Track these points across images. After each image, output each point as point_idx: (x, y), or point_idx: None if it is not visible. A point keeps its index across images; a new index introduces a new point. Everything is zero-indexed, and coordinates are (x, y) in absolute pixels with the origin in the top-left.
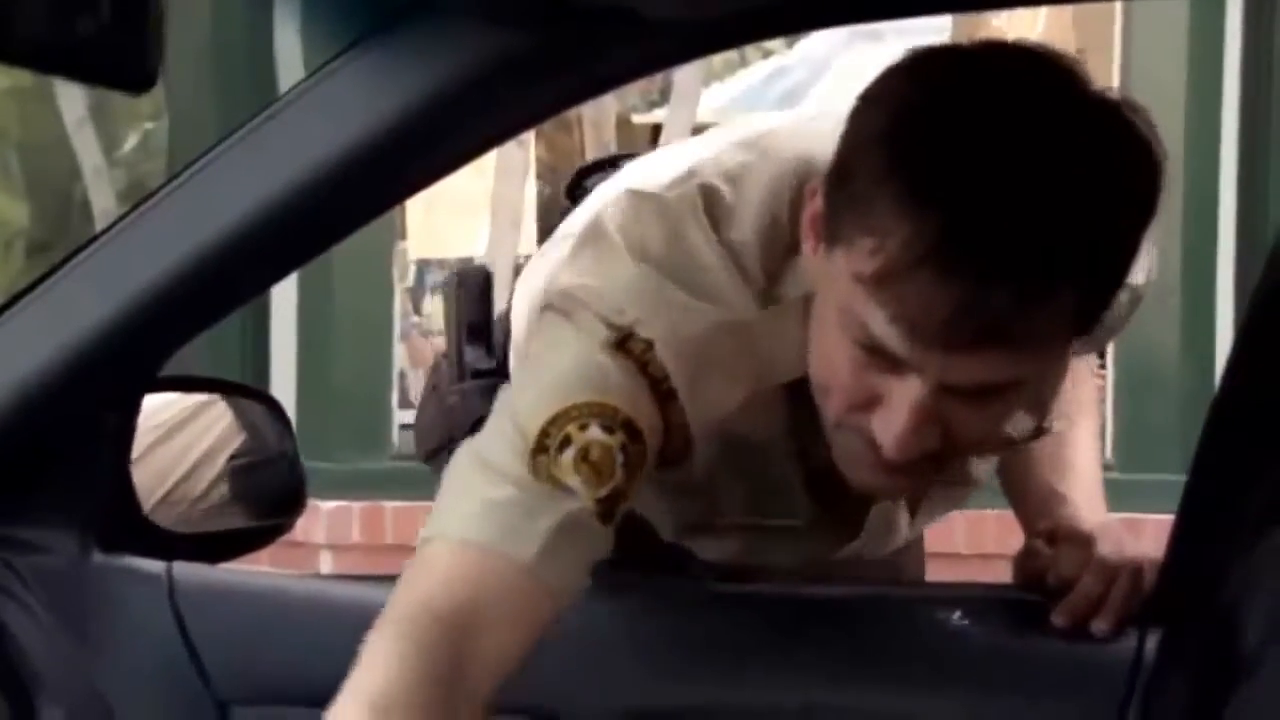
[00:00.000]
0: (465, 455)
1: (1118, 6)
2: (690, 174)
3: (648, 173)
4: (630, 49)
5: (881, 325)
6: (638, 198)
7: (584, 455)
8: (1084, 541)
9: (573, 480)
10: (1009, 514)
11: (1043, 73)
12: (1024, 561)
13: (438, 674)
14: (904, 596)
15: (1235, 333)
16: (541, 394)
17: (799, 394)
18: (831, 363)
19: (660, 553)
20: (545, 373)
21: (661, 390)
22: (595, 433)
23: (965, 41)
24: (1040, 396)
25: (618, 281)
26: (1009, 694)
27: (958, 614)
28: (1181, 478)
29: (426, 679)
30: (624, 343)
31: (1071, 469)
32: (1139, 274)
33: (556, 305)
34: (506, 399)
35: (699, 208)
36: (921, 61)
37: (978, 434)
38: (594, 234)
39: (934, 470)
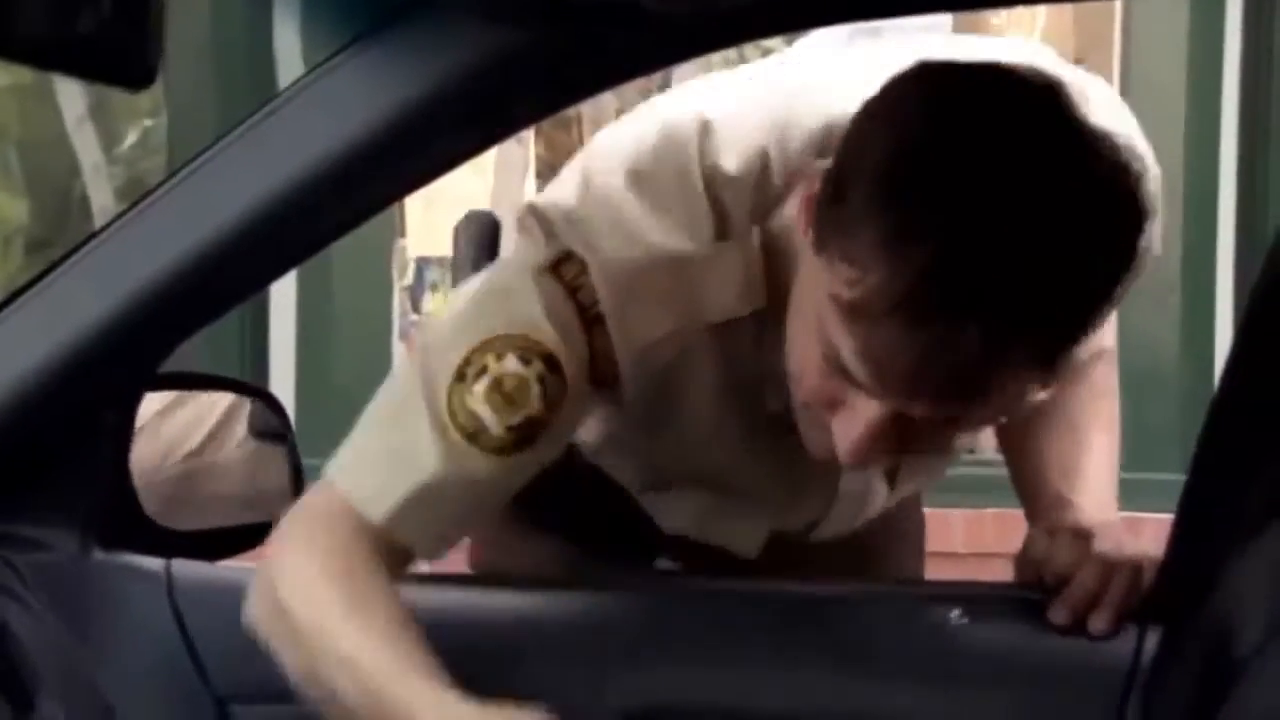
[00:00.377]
0: (385, 388)
1: (1117, 5)
2: (700, 110)
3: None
4: (630, 46)
5: (849, 355)
6: (642, 115)
7: (497, 386)
8: (1082, 537)
9: (483, 410)
10: (1008, 513)
11: (1043, 119)
12: (1023, 557)
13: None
14: (902, 594)
15: (1235, 332)
16: (468, 323)
17: (730, 338)
18: (802, 356)
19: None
20: (475, 299)
21: (589, 316)
22: (511, 364)
23: (972, 60)
24: (992, 418)
25: (587, 193)
26: (1007, 693)
27: (956, 612)
28: (1181, 477)
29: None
30: (557, 266)
31: (1082, 476)
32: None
33: (519, 221)
34: (436, 325)
35: (697, 134)
36: (927, 85)
37: (935, 447)
38: (588, 150)
39: (894, 459)
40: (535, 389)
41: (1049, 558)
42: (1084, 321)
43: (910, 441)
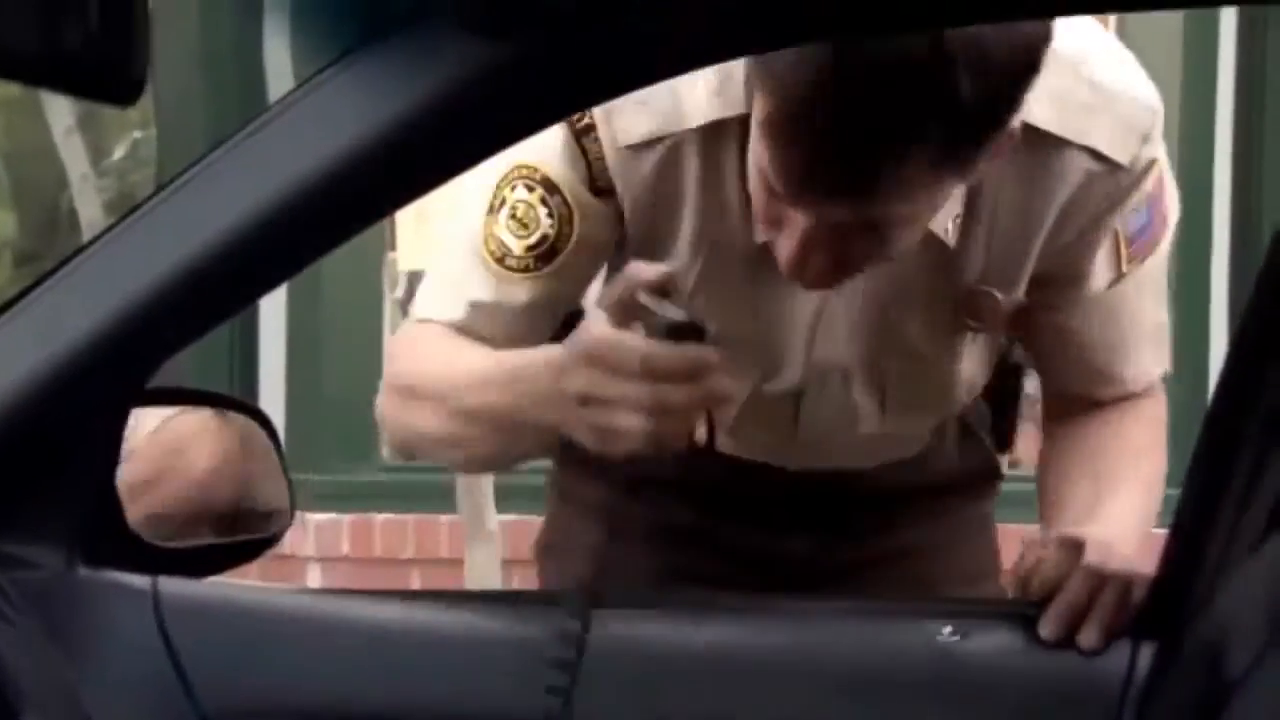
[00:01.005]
0: (449, 224)
1: (1111, 21)
2: None
3: None
4: (622, 61)
5: (769, 167)
6: None
7: (513, 213)
8: (1071, 548)
9: (505, 236)
10: (1007, 527)
11: None
12: (1015, 571)
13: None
14: (892, 611)
15: (1229, 345)
16: (497, 160)
17: (717, 150)
18: (752, 181)
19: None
20: None
21: (578, 127)
22: (520, 192)
23: None
24: (918, 228)
25: None
26: (999, 709)
27: (948, 629)
28: (1175, 490)
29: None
30: None
31: (1105, 519)
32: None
33: None
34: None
35: None
36: None
37: (864, 257)
38: None
39: (843, 275)
40: (541, 210)
41: (1037, 570)
42: (972, 113)
43: (843, 256)
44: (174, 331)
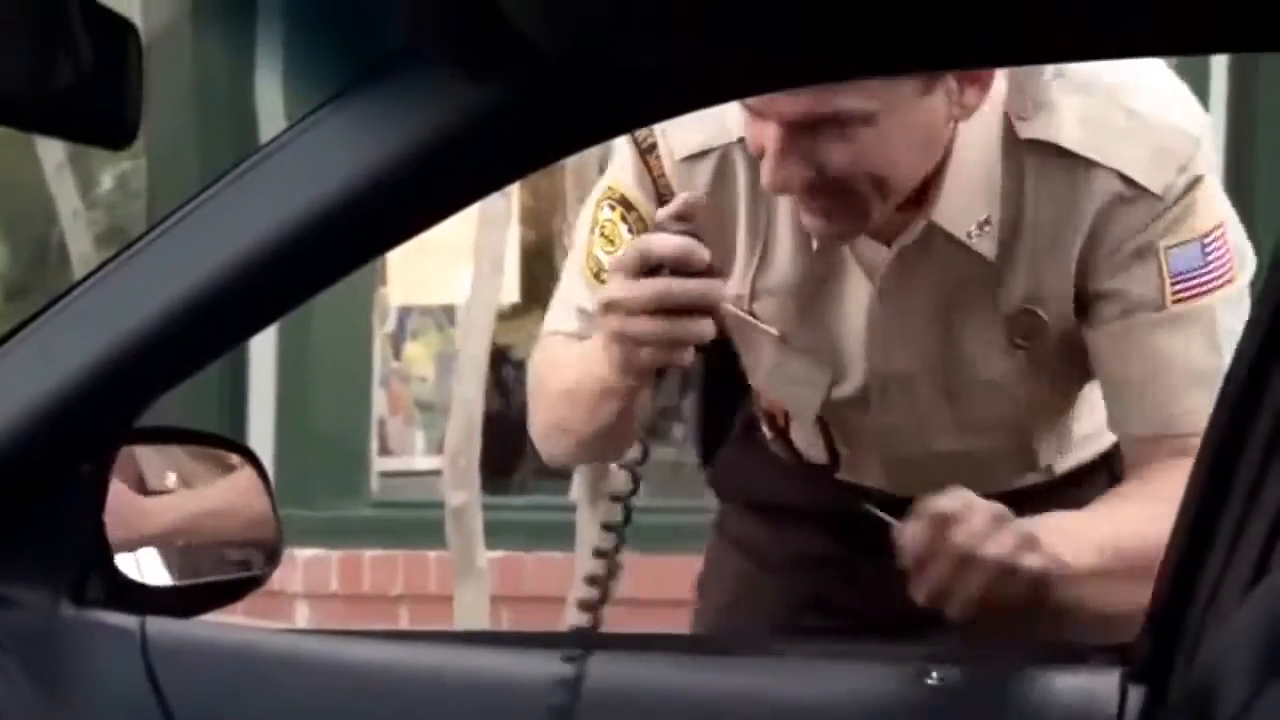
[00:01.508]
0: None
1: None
2: None
3: None
4: (614, 103)
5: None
6: None
7: (603, 232)
8: (939, 525)
9: (600, 253)
10: None
11: None
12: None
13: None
14: (880, 654)
15: (1221, 385)
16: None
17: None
18: (746, 126)
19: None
20: None
21: (644, 146)
22: (606, 212)
23: None
24: (893, 142)
25: None
26: None
27: (934, 673)
28: None
29: None
30: None
31: (1061, 518)
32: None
33: None
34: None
35: None
36: None
37: (842, 169)
38: None
39: (846, 210)
40: (622, 228)
41: (908, 545)
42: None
43: (819, 165)
44: (165, 370)
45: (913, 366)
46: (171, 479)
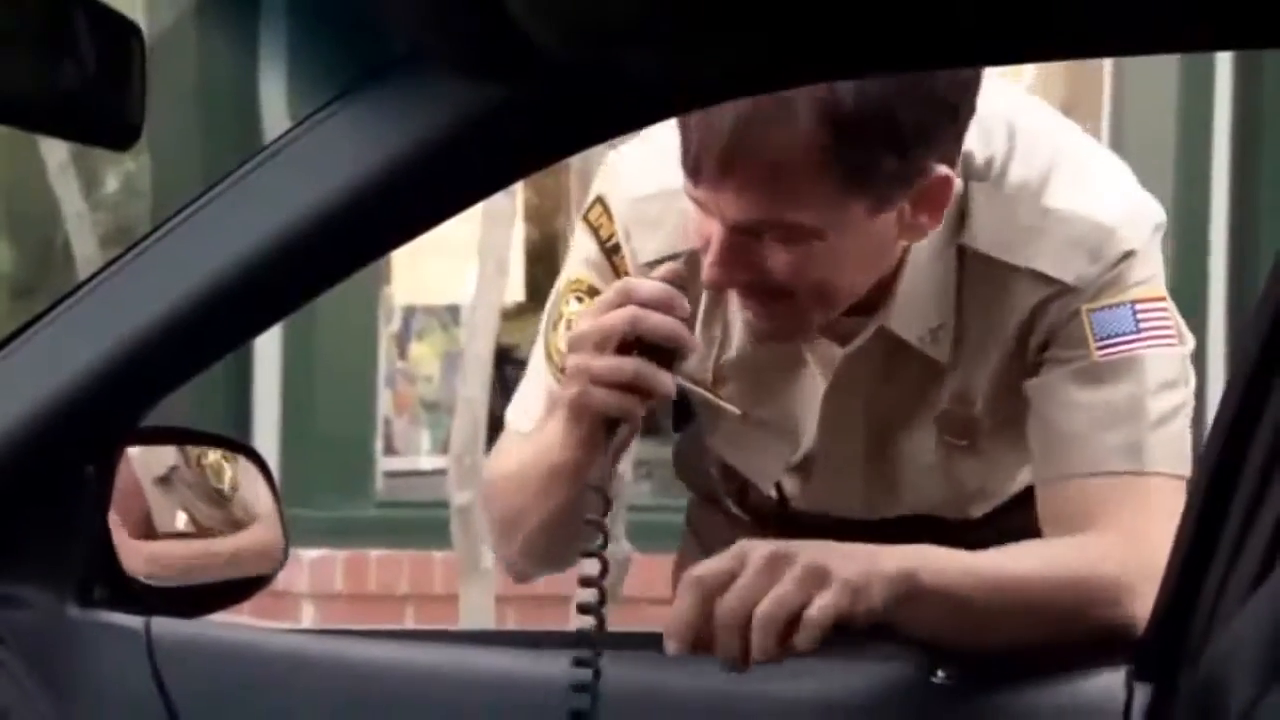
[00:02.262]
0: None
1: (1107, 65)
2: None
3: None
4: (615, 104)
5: (682, 165)
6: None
7: (569, 325)
8: (703, 590)
9: (564, 345)
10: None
11: None
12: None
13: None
14: (887, 653)
15: (1223, 391)
16: (559, 281)
17: None
18: (693, 216)
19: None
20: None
21: (608, 246)
22: (574, 305)
23: None
24: (839, 257)
25: (618, 155)
26: None
27: (941, 672)
28: None
29: None
30: (589, 211)
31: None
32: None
33: None
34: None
35: None
36: None
37: (784, 276)
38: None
39: (785, 314)
40: None
41: (673, 628)
42: (856, 131)
43: (758, 266)
44: (169, 371)
45: (855, 449)
46: (181, 520)
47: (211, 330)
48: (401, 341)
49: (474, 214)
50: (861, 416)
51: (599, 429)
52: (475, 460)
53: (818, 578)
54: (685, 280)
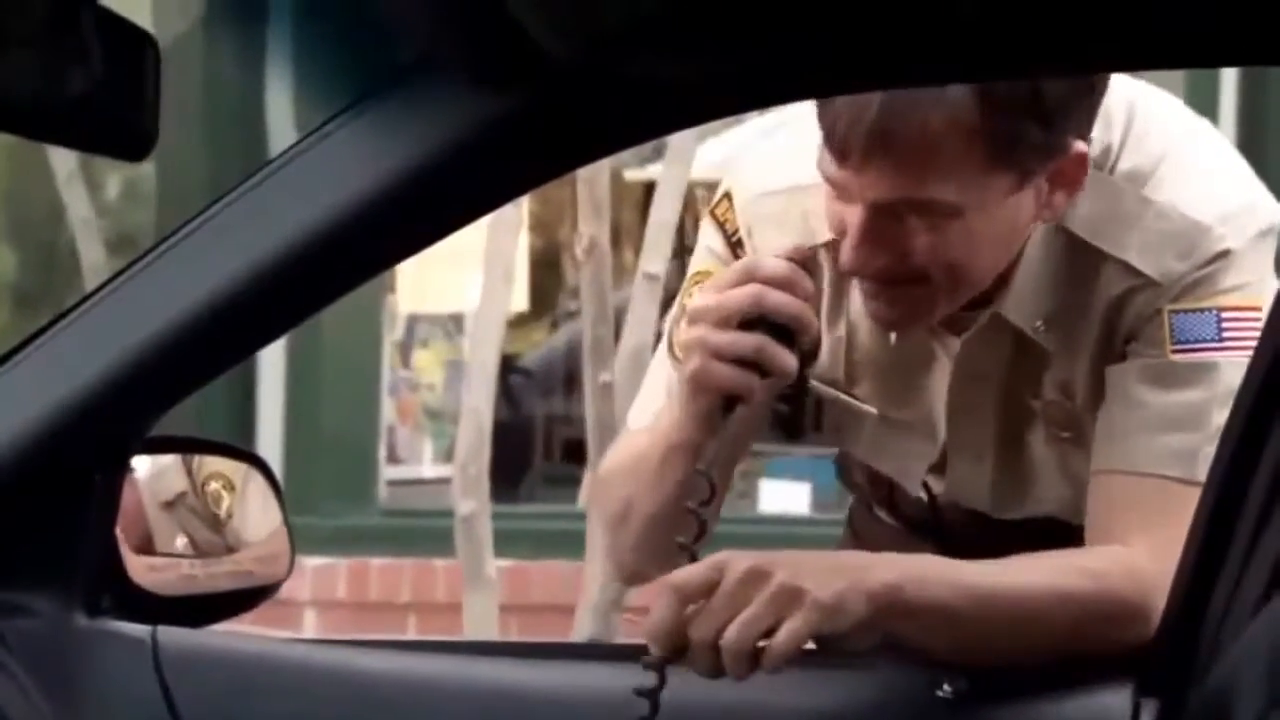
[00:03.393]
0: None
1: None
2: None
3: None
4: (628, 114)
5: (822, 151)
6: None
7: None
8: (677, 600)
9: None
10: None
11: None
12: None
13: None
14: (893, 665)
15: (1236, 395)
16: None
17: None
18: (826, 191)
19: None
20: None
21: (733, 240)
22: (696, 298)
23: None
24: (977, 238)
25: (746, 151)
26: None
27: (946, 685)
28: None
29: None
30: (716, 205)
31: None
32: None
33: None
34: None
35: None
36: None
37: (922, 258)
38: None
39: (915, 300)
40: None
41: (652, 635)
42: (1007, 108)
43: (900, 252)
44: (177, 381)
45: (985, 440)
46: (181, 543)
47: (221, 340)
48: (405, 350)
49: (479, 222)
50: (990, 407)
51: (716, 407)
52: (480, 469)
53: (789, 598)
54: (811, 268)
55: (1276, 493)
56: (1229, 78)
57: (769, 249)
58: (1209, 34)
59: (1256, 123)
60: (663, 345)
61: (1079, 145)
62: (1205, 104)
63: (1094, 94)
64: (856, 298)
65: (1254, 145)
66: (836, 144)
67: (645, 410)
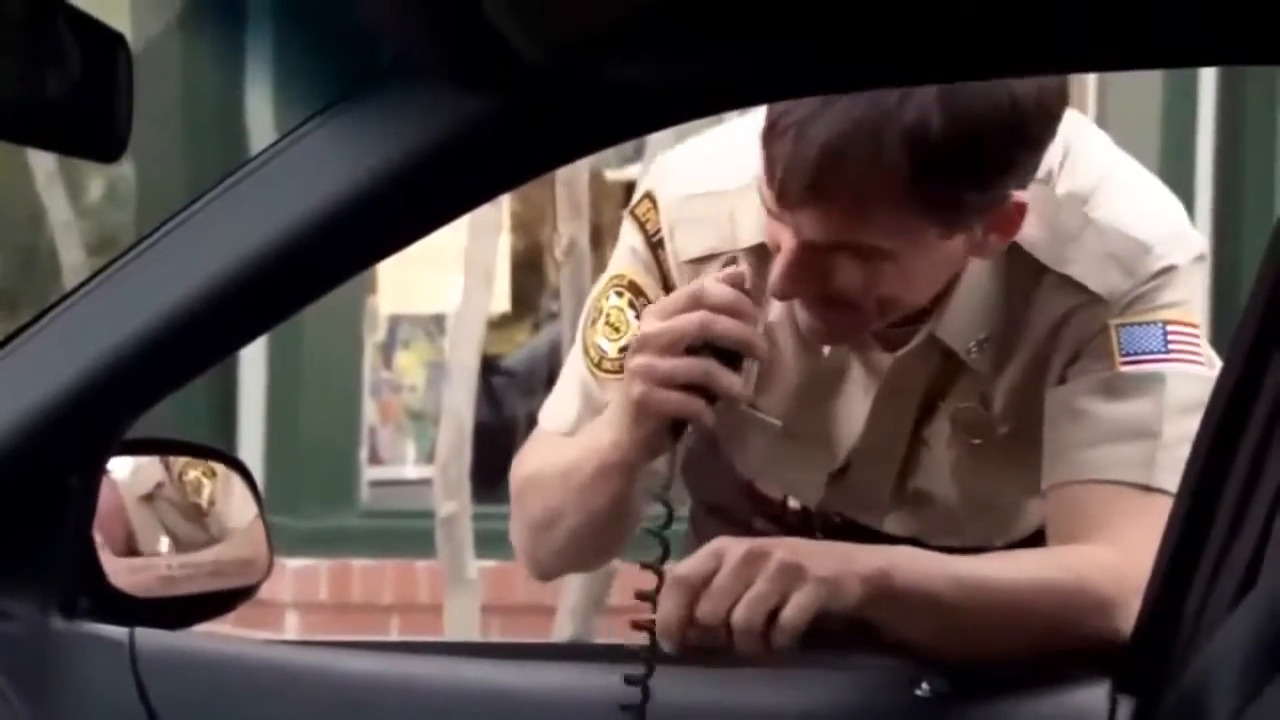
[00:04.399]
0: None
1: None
2: None
3: None
4: (604, 115)
5: (761, 182)
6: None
7: (607, 319)
8: (683, 590)
9: (601, 341)
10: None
11: None
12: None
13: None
14: (868, 666)
15: (1210, 397)
16: (600, 280)
17: (763, 264)
18: (766, 219)
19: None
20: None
21: (653, 240)
22: (612, 300)
23: None
24: (909, 274)
25: (669, 155)
26: None
27: (925, 685)
28: None
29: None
30: (636, 205)
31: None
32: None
33: None
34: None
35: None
36: None
37: (854, 290)
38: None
39: (846, 320)
40: (630, 314)
41: (662, 626)
42: (940, 159)
43: (827, 283)
44: (154, 382)
45: (895, 451)
46: (164, 543)
47: (198, 341)
48: (387, 351)
49: (460, 224)
50: (907, 416)
51: (662, 431)
52: (460, 470)
53: (792, 575)
54: (746, 282)
55: (1249, 494)
56: (1208, 87)
57: (689, 251)
58: (1201, 34)
59: (1235, 123)
60: (577, 348)
61: (1019, 195)
62: (1184, 106)
63: (1040, 149)
64: (776, 308)
65: (1232, 144)
66: (775, 185)
67: (559, 412)
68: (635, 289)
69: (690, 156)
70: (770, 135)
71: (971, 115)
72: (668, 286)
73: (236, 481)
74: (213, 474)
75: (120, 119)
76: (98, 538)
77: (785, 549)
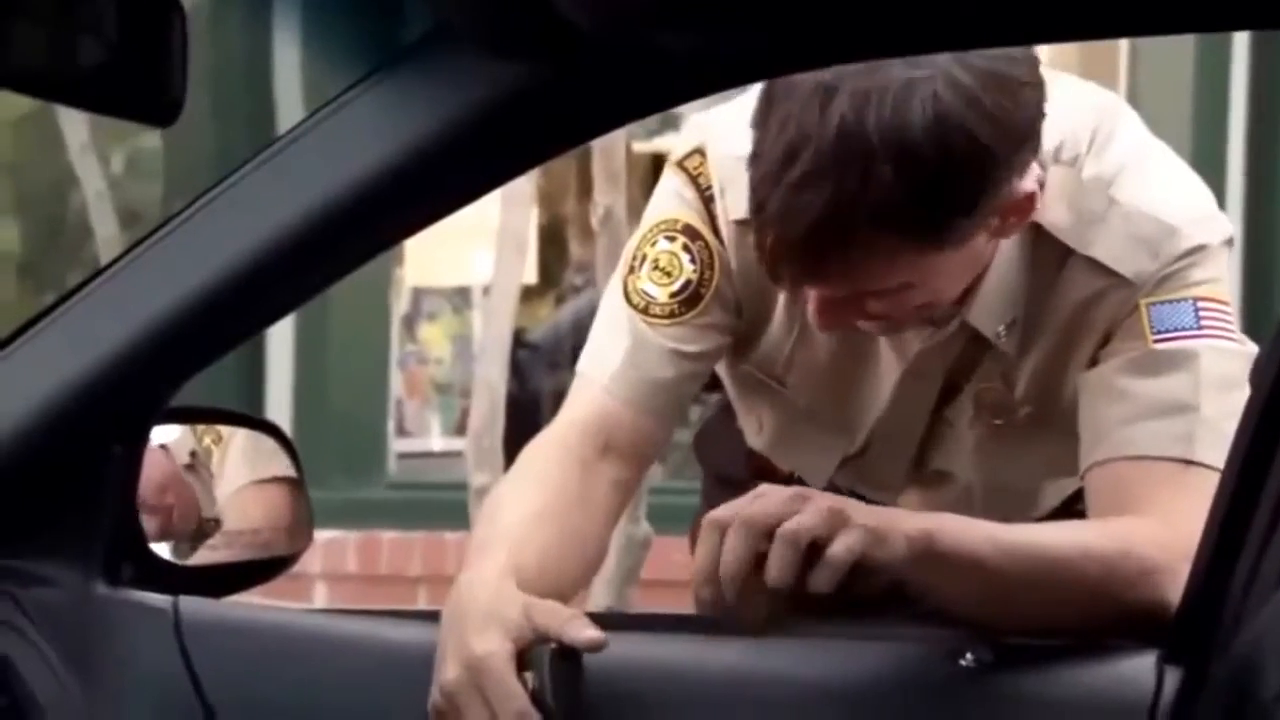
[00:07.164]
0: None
1: (1123, 46)
2: None
3: None
4: (647, 82)
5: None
6: None
7: (655, 264)
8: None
9: (649, 286)
10: None
11: None
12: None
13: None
14: (915, 636)
15: (1251, 374)
16: (638, 229)
17: None
18: None
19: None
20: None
21: (705, 196)
22: (662, 244)
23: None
24: (934, 285)
25: (720, 109)
26: None
27: (969, 654)
28: None
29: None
30: (686, 159)
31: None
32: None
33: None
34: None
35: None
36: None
37: (885, 314)
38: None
39: (885, 327)
40: (684, 257)
41: (699, 562)
42: (902, 201)
43: (861, 314)
44: (195, 352)
45: (916, 430)
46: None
47: (239, 311)
48: (412, 324)
49: (490, 196)
50: (930, 396)
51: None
52: (494, 441)
53: (840, 518)
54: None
55: None
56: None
57: (740, 211)
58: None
59: (1268, 94)
60: (615, 292)
61: (1023, 186)
62: (1216, 78)
63: (1035, 139)
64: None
65: (1265, 117)
66: (770, 270)
67: (602, 360)
68: (692, 232)
69: (739, 116)
70: (755, 226)
71: (929, 171)
72: (718, 233)
73: (240, 438)
74: (220, 439)
75: (176, 83)
76: (141, 506)
77: (830, 498)
